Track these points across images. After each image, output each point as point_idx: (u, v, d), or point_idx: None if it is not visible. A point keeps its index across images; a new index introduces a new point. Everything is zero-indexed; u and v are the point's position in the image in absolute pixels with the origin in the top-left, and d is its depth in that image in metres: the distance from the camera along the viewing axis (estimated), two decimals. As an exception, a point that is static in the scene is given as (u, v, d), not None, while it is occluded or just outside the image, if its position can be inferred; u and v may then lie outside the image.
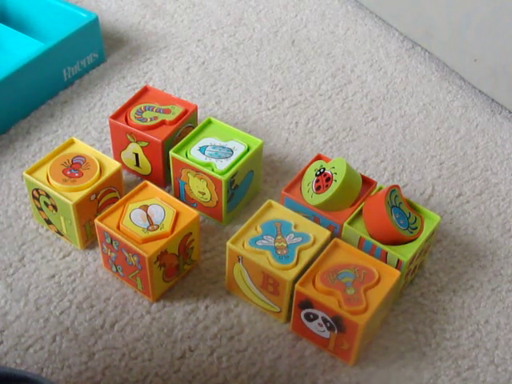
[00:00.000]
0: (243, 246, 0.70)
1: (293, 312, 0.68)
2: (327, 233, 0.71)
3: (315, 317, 0.66)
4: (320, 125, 0.93)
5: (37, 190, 0.75)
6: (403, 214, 0.71)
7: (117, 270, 0.74)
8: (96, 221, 0.71)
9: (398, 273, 0.68)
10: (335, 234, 0.73)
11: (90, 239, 0.78)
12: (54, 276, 0.75)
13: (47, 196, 0.74)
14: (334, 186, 0.72)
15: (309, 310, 0.66)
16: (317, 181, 0.74)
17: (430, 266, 0.77)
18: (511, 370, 0.68)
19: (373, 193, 0.75)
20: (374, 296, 0.65)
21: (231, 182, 0.76)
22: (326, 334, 0.67)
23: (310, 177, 0.75)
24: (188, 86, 0.98)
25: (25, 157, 0.87)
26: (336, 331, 0.66)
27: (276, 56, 1.03)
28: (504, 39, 0.88)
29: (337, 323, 0.65)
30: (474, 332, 0.71)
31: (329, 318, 0.65)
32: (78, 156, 0.77)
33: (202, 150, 0.78)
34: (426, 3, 0.98)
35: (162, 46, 1.04)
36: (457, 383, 0.67)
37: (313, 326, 0.67)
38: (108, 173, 0.76)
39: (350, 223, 0.72)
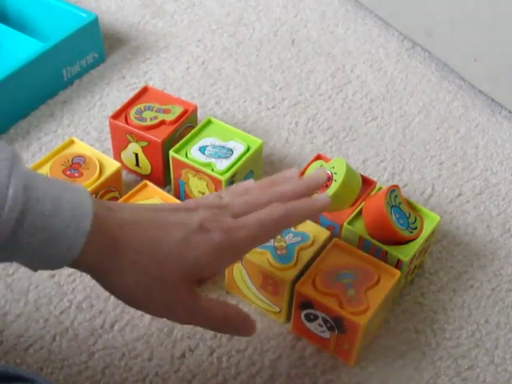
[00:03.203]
0: (243, 245, 0.70)
1: (293, 312, 0.68)
2: (327, 233, 0.71)
3: (315, 317, 0.66)
4: (320, 125, 0.93)
5: (37, 189, 0.75)
6: (403, 213, 0.71)
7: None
8: (96, 221, 0.71)
9: (398, 273, 0.68)
10: (335, 233, 0.73)
11: (89, 239, 0.77)
12: (53, 276, 0.74)
13: (47, 196, 0.74)
14: (333, 186, 0.72)
15: (309, 311, 0.66)
16: (317, 181, 0.74)
17: (430, 265, 0.77)
18: (511, 369, 0.68)
19: (373, 193, 0.75)
20: (375, 296, 0.65)
21: (231, 181, 0.76)
22: (327, 335, 0.67)
23: (309, 177, 0.75)
24: (188, 86, 0.98)
25: (25, 157, 0.87)
26: (336, 331, 0.66)
27: (276, 56, 1.03)
28: (504, 39, 0.88)
29: (337, 324, 0.65)
30: (474, 332, 0.71)
31: (329, 319, 0.65)
32: (77, 156, 0.77)
33: (202, 149, 0.78)
34: (425, 3, 0.98)
35: (162, 46, 1.04)
36: (457, 383, 0.67)
37: (313, 326, 0.67)
38: (108, 173, 0.76)
39: (349, 223, 0.72)
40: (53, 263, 0.52)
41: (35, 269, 0.53)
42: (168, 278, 0.54)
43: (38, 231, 0.49)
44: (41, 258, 0.51)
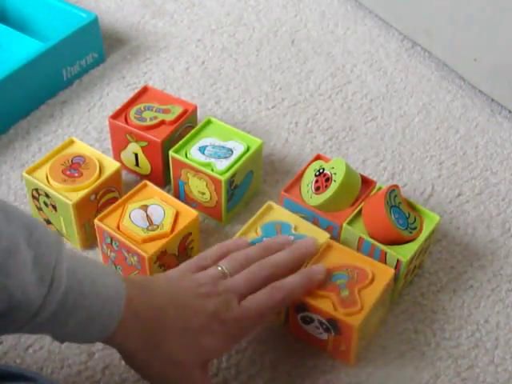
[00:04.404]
0: (243, 246, 0.69)
1: (290, 315, 0.68)
2: (327, 235, 0.71)
3: (311, 320, 0.66)
4: (320, 125, 0.93)
5: (36, 190, 0.75)
6: (403, 213, 0.71)
7: (117, 270, 0.74)
8: (96, 221, 0.72)
9: (392, 271, 0.68)
10: (334, 234, 0.73)
11: (89, 239, 0.77)
12: (53, 276, 0.74)
13: (47, 196, 0.74)
14: (333, 187, 0.72)
15: (305, 314, 0.66)
16: (316, 181, 0.74)
17: (430, 265, 0.77)
18: (511, 369, 0.68)
19: (372, 193, 0.75)
20: (369, 296, 0.65)
21: (231, 181, 0.76)
22: (324, 336, 0.67)
23: (309, 177, 0.75)
24: (188, 86, 0.98)
25: (24, 157, 0.87)
26: (333, 333, 0.65)
27: (276, 56, 1.03)
28: (504, 39, 0.88)
29: (332, 325, 0.65)
30: (474, 332, 0.71)
31: (324, 321, 0.65)
32: (77, 156, 0.77)
33: (202, 149, 0.78)
34: (425, 3, 0.98)
35: (162, 46, 1.04)
36: (456, 383, 0.67)
37: (310, 328, 0.67)
38: (107, 173, 0.76)
39: (349, 223, 0.72)
40: (84, 340, 0.56)
41: (63, 341, 0.57)
42: (189, 365, 0.59)
43: (77, 311, 0.53)
44: (74, 335, 0.55)
